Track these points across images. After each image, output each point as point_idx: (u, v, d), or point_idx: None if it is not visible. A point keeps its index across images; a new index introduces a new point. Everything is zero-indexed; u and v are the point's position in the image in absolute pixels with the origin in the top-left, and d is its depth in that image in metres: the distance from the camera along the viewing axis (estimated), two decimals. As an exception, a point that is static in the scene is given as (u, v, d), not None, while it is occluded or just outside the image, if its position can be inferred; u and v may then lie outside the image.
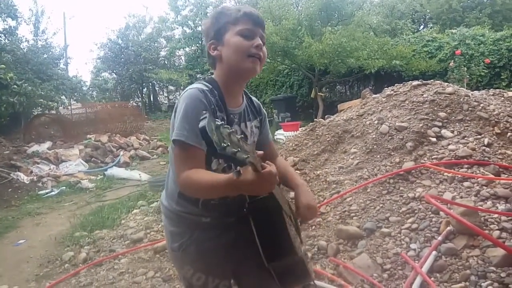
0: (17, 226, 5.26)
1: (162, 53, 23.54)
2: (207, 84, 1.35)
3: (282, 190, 1.48)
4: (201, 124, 0.82)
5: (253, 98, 1.56)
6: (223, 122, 0.85)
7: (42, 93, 11.49)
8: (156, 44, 23.11)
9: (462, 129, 3.52)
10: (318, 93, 12.97)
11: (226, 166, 0.97)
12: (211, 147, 0.81)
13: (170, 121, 1.35)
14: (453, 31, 12.86)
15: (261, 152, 1.05)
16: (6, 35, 13.77)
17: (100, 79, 23.71)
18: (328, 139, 4.16)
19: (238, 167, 0.86)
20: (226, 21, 1.34)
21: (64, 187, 7.25)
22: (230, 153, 0.81)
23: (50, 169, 8.35)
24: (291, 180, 1.50)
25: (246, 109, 1.46)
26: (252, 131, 1.46)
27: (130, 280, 3.16)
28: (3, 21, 13.31)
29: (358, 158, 3.67)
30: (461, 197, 2.71)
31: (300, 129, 6.07)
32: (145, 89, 24.24)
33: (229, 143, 0.81)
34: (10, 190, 6.98)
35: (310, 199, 1.42)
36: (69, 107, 15.49)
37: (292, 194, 1.55)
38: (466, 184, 2.84)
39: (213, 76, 1.41)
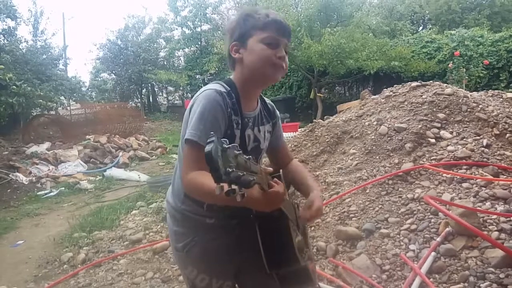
0: (16, 227, 5.25)
1: (162, 53, 23.53)
2: (225, 85, 1.34)
3: (292, 195, 1.47)
4: (207, 148, 0.79)
5: (267, 101, 1.52)
6: (230, 145, 0.81)
7: (41, 93, 11.47)
8: (155, 45, 23.09)
9: (461, 130, 3.52)
10: (317, 94, 12.99)
11: (229, 190, 0.97)
12: (215, 172, 0.79)
13: (183, 118, 1.34)
14: (452, 32, 12.90)
15: (269, 169, 1.06)
16: (5, 35, 13.77)
17: (99, 79, 23.70)
18: (327, 140, 4.17)
19: (243, 190, 0.84)
20: (253, 25, 1.31)
21: (63, 188, 7.23)
22: (235, 178, 0.79)
23: (49, 169, 8.33)
24: (305, 186, 1.45)
25: (260, 113, 1.44)
26: (266, 135, 1.45)
27: (129, 281, 3.16)
28: (2, 22, 13.33)
29: (357, 159, 3.68)
30: (460, 198, 2.71)
31: (299, 130, 6.08)
32: (144, 90, 24.21)
33: (234, 167, 0.79)
34: (9, 190, 6.97)
35: (319, 202, 1.38)
36: (68, 107, 15.48)
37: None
38: (465, 185, 2.85)
39: (231, 77, 1.40)
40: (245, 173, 0.82)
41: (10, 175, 7.42)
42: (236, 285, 1.54)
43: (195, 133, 1.21)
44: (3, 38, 13.65)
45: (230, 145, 0.81)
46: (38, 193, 7.05)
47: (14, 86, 10.22)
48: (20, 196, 6.85)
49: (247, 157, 0.87)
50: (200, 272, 1.41)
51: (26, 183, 7.42)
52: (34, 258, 3.94)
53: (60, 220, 5.32)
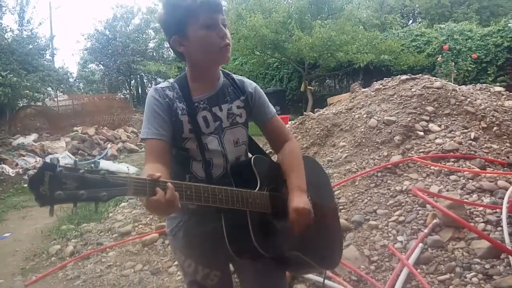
0: (2, 219, 5.18)
1: (151, 44, 23.29)
2: (170, 80, 1.42)
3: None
4: (29, 179, 0.87)
5: (237, 78, 1.50)
6: (64, 167, 0.87)
7: (28, 84, 11.27)
8: (144, 36, 22.84)
9: (449, 123, 3.56)
10: (308, 87, 13.01)
11: (190, 177, 1.01)
12: (35, 199, 0.85)
13: None
14: (442, 26, 12.99)
15: (157, 175, 1.02)
16: (-10, 24, 13.46)
17: (87, 70, 23.40)
18: (317, 132, 4.18)
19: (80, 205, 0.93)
20: (184, 13, 1.28)
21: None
22: (62, 199, 0.85)
23: (36, 161, 8.22)
24: (288, 182, 1.42)
25: (221, 92, 1.42)
26: (232, 112, 1.41)
27: (118, 273, 3.14)
28: (-13, 10, 13.00)
29: (346, 151, 3.69)
30: (448, 190, 2.75)
31: (289, 122, 6.08)
32: (133, 81, 24.00)
33: (74, 188, 0.87)
34: (-5, 182, 6.87)
35: (300, 202, 1.34)
36: (56, 99, 15.23)
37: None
38: (452, 177, 2.89)
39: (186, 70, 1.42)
40: (87, 190, 0.88)
41: (-4, 167, 7.31)
42: (234, 272, 1.55)
43: (143, 131, 1.32)
44: (-13, 27, 13.34)
45: (65, 168, 0.87)
46: (25, 185, 6.95)
47: (-1, 76, 10.03)
48: (7, 188, 6.75)
49: (103, 172, 0.93)
50: (186, 257, 1.44)
51: (13, 175, 7.31)
52: (21, 251, 3.90)
53: (47, 212, 5.25)
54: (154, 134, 1.30)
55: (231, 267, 1.58)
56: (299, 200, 1.34)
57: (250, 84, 1.51)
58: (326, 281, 2.33)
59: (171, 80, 1.43)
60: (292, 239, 1.36)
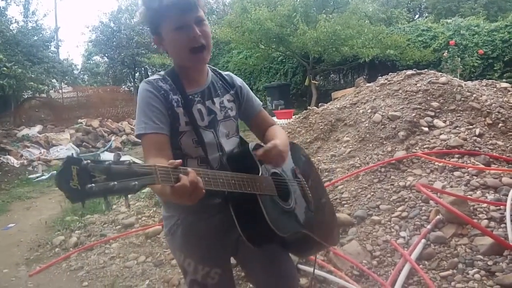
0: (7, 210, 5.23)
1: (155, 37, 23.23)
2: (160, 73, 1.40)
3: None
4: (56, 175, 0.81)
5: (224, 73, 1.52)
6: (90, 160, 0.82)
7: (33, 76, 11.30)
8: (149, 28, 22.78)
9: (454, 119, 3.54)
10: (312, 81, 12.94)
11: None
12: (67, 197, 0.81)
13: None
14: (448, 21, 12.85)
15: (178, 161, 1.00)
16: (-5, 15, 13.47)
17: (91, 62, 23.40)
18: (321, 127, 4.16)
19: (109, 199, 0.86)
20: (155, 15, 1.29)
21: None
22: (95, 193, 0.80)
23: (40, 153, 8.28)
24: (270, 139, 1.44)
25: (212, 86, 1.43)
26: (224, 106, 1.43)
27: (121, 264, 3.17)
28: (-8, 2, 13.02)
29: (350, 146, 3.68)
30: (451, 187, 2.74)
31: (293, 117, 6.07)
32: (137, 74, 23.96)
33: (103, 180, 0.81)
34: (0, 173, 6.92)
35: (277, 142, 1.35)
36: (60, 90, 15.27)
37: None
38: (456, 173, 2.87)
39: None
40: (118, 181, 0.83)
41: (1, 158, 7.37)
42: (237, 266, 1.55)
43: (140, 127, 1.27)
44: (-8, 18, 13.35)
45: (91, 160, 0.81)
46: (29, 177, 7.01)
47: (4, 68, 10.05)
48: (11, 179, 6.81)
49: (128, 162, 0.88)
50: (186, 256, 1.42)
51: (18, 166, 7.37)
52: (25, 241, 3.94)
53: (52, 203, 5.30)
54: (154, 128, 1.26)
55: (232, 261, 1.59)
56: (277, 142, 1.36)
57: (238, 79, 1.54)
58: (329, 276, 2.34)
59: (162, 72, 1.40)
60: (300, 219, 1.41)
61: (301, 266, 2.49)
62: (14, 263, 3.45)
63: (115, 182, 0.83)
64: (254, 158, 1.34)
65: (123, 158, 7.87)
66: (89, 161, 0.81)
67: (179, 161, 1.00)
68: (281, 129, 1.58)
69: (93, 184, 0.79)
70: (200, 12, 1.31)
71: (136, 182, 0.87)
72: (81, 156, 0.82)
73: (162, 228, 3.53)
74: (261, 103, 1.61)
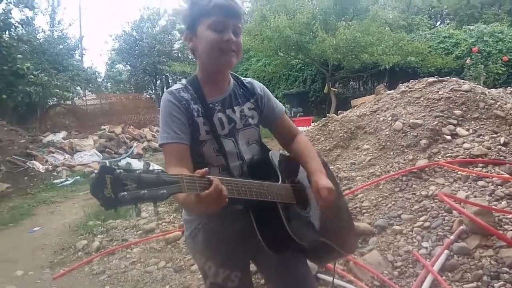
0: (32, 213, 5.38)
1: (176, 45, 23.61)
2: (182, 82, 1.43)
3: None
4: (91, 184, 0.86)
5: (246, 80, 1.53)
6: (123, 169, 0.87)
7: (58, 83, 11.67)
8: (170, 37, 23.19)
9: (477, 127, 3.47)
10: (331, 89, 12.88)
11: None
12: (101, 204, 0.86)
13: None
14: (471, 27, 12.63)
15: (204, 170, 1.03)
16: (23, 25, 13.95)
17: (114, 70, 23.96)
18: (340, 134, 4.15)
19: (139, 206, 0.90)
20: (198, 12, 1.33)
21: (79, 177, 7.37)
22: (127, 200, 0.85)
23: (65, 158, 8.49)
24: (307, 171, 1.47)
25: (233, 94, 1.45)
26: (244, 114, 1.44)
27: (141, 269, 3.21)
28: (21, 12, 13.49)
29: (370, 154, 3.65)
30: (475, 196, 2.68)
31: (312, 124, 6.06)
32: (158, 82, 24.39)
33: (133, 188, 0.86)
34: (26, 178, 7.13)
35: (324, 182, 1.38)
36: (84, 98, 15.68)
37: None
38: (480, 183, 2.81)
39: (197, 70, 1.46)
40: (148, 190, 0.87)
41: (27, 163, 7.58)
42: (258, 272, 1.57)
43: (162, 136, 1.32)
44: (21, 28, 13.82)
45: (123, 169, 0.87)
46: (54, 181, 7.20)
47: (31, 76, 10.42)
48: (37, 184, 7.00)
49: (157, 171, 0.92)
50: (207, 260, 1.45)
51: (43, 171, 7.57)
52: (50, 245, 4.04)
53: (75, 208, 5.43)
54: (175, 138, 1.30)
55: (252, 267, 1.60)
56: (322, 181, 1.38)
57: (259, 86, 1.54)
58: (349, 286, 2.32)
59: (184, 81, 1.44)
60: (318, 227, 1.42)
61: (320, 275, 2.48)
62: (39, 265, 3.55)
63: (145, 191, 0.87)
64: (274, 166, 1.37)
65: (142, 164, 8.00)
66: (121, 170, 0.86)
67: (205, 170, 1.03)
68: (309, 143, 1.58)
69: (125, 193, 0.84)
70: (240, 23, 1.36)
71: (164, 191, 0.91)
72: (114, 166, 0.87)
73: (182, 234, 3.58)
74: (284, 108, 1.61)
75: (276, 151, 1.49)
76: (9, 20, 11.69)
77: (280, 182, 1.34)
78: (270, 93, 1.57)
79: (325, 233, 1.43)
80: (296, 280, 1.49)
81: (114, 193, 0.84)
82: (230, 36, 1.31)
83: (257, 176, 1.31)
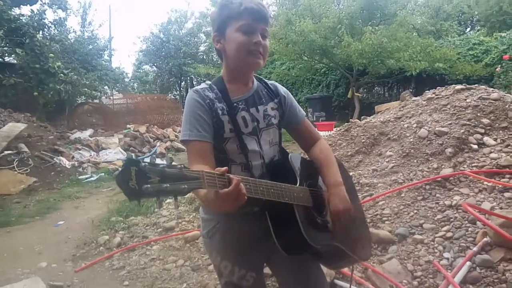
0: (58, 208, 5.54)
1: (202, 48, 23.92)
2: (208, 82, 1.46)
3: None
4: (117, 175, 0.89)
5: (269, 82, 1.56)
6: (148, 162, 0.91)
7: (87, 82, 12.00)
8: (196, 39, 23.51)
9: (506, 137, 3.36)
10: (355, 94, 12.77)
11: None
12: (125, 194, 0.89)
13: None
14: (502, 34, 12.27)
15: (224, 168, 1.05)
16: (56, 25, 14.46)
17: (141, 71, 24.45)
18: (363, 140, 4.10)
19: (161, 199, 0.94)
20: (228, 15, 1.36)
21: (103, 174, 7.55)
22: (151, 193, 0.88)
23: (90, 155, 8.71)
24: (324, 179, 1.49)
25: (257, 94, 1.48)
26: (267, 114, 1.47)
27: (160, 266, 3.26)
28: (54, 13, 14.00)
29: (393, 161, 3.60)
30: (501, 208, 2.60)
31: (334, 129, 6.01)
32: (183, 83, 24.73)
33: (157, 181, 0.89)
34: (52, 173, 7.36)
35: (340, 201, 1.41)
36: (111, 97, 16.07)
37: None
38: (507, 194, 2.72)
39: (222, 71, 1.49)
40: (170, 184, 0.91)
41: (55, 159, 7.82)
42: (270, 272, 1.58)
43: (185, 133, 1.34)
44: (54, 28, 14.34)
45: (148, 163, 0.90)
46: (79, 177, 7.40)
47: (62, 74, 10.75)
48: (63, 179, 7.21)
49: (179, 166, 0.96)
50: (223, 259, 1.47)
51: (69, 167, 7.80)
52: (73, 239, 4.15)
53: (98, 204, 5.56)
54: (197, 136, 1.32)
55: (267, 270, 1.61)
56: (339, 198, 1.41)
57: (282, 88, 1.57)
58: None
59: (209, 82, 1.47)
60: (333, 231, 1.42)
61: (338, 282, 2.46)
62: (62, 258, 3.65)
63: (168, 184, 0.91)
64: (293, 169, 1.38)
65: (164, 163, 8.11)
66: (146, 163, 0.90)
67: (225, 168, 1.06)
68: (329, 151, 1.57)
69: (148, 185, 0.88)
70: (267, 27, 1.39)
71: (186, 186, 0.94)
72: (139, 158, 0.90)
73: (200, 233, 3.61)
74: (305, 113, 1.63)
75: (296, 154, 1.50)
76: (42, 20, 12.14)
77: (298, 184, 1.35)
78: (293, 98, 1.59)
79: (339, 238, 1.43)
80: (308, 283, 1.49)
81: (138, 184, 0.87)
82: (258, 39, 1.35)
83: (277, 177, 1.32)
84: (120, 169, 0.90)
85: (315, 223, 1.37)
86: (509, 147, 3.21)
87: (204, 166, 1.23)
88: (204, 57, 23.62)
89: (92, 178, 7.30)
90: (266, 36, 1.39)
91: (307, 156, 1.61)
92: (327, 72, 15.46)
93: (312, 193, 1.40)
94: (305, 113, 1.63)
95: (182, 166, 0.97)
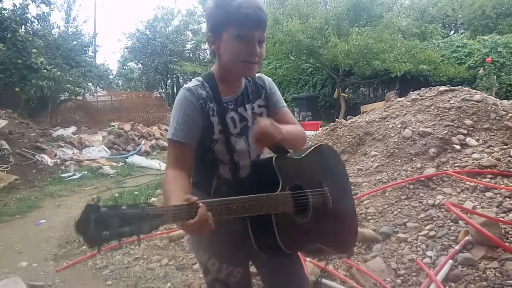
0: (39, 206, 5.43)
1: (188, 46, 23.77)
2: (199, 78, 1.42)
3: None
4: (76, 223, 0.90)
5: (257, 76, 1.52)
6: (107, 208, 0.91)
7: (70, 78, 11.78)
8: (182, 37, 23.35)
9: (487, 138, 3.43)
10: (341, 94, 12.87)
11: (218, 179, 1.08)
12: (84, 242, 0.90)
13: None
14: (485, 37, 12.52)
15: (193, 199, 1.06)
16: (39, 20, 14.17)
17: (126, 68, 24.17)
18: (348, 140, 4.13)
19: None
20: (225, 18, 1.29)
21: (86, 172, 7.43)
22: (108, 238, 0.89)
23: (73, 153, 8.56)
24: None
25: (245, 92, 1.46)
26: (257, 111, 1.46)
27: (144, 266, 3.22)
28: (37, 7, 13.72)
29: (378, 161, 3.63)
30: (482, 207, 2.65)
31: (320, 128, 6.04)
32: (169, 81, 24.55)
33: (115, 227, 0.90)
34: (34, 171, 7.20)
35: (266, 124, 1.29)
36: (95, 94, 15.84)
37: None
38: (488, 194, 2.78)
39: (212, 67, 1.46)
40: (131, 226, 0.92)
41: (36, 156, 7.66)
42: (257, 268, 1.59)
43: (171, 132, 1.34)
44: (37, 23, 14.05)
45: (108, 207, 0.91)
46: (62, 175, 7.26)
47: (44, 70, 10.54)
48: (45, 177, 7.07)
49: (142, 206, 0.96)
50: (210, 256, 1.47)
51: (51, 164, 7.64)
52: (55, 238, 4.07)
53: (81, 202, 5.46)
54: (181, 137, 1.32)
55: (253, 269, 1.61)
56: (271, 123, 1.31)
57: (267, 79, 1.55)
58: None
59: (200, 78, 1.43)
60: (314, 233, 1.41)
61: (324, 280, 2.47)
62: (43, 258, 3.57)
63: (128, 227, 0.92)
64: (276, 172, 1.34)
65: (151, 162, 8.04)
66: (105, 209, 0.91)
67: (195, 198, 1.07)
68: (298, 127, 1.52)
69: (107, 232, 0.89)
70: (265, 32, 1.35)
71: (149, 225, 0.96)
72: (100, 204, 0.92)
73: (185, 233, 3.58)
74: (285, 105, 1.57)
75: (283, 155, 1.45)
76: (25, 15, 11.87)
77: (279, 189, 1.31)
78: (276, 87, 1.56)
79: (319, 237, 1.43)
80: (288, 283, 1.51)
81: (97, 232, 0.88)
82: (255, 49, 1.31)
83: (260, 179, 1.33)
84: (79, 216, 0.90)
85: (294, 227, 1.34)
86: (490, 147, 3.28)
87: (180, 172, 1.28)
88: (191, 55, 23.49)
89: (74, 176, 7.17)
90: (262, 41, 1.35)
91: (295, 156, 1.59)
92: (313, 72, 15.54)
93: (294, 197, 1.36)
94: (285, 105, 1.58)
95: (145, 205, 0.97)
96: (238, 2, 1.28)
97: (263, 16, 1.32)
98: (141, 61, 23.25)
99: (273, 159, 1.37)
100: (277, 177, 1.33)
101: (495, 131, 3.48)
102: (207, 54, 24.04)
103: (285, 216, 1.32)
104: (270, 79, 1.57)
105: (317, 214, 1.42)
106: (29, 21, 12.61)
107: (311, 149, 1.54)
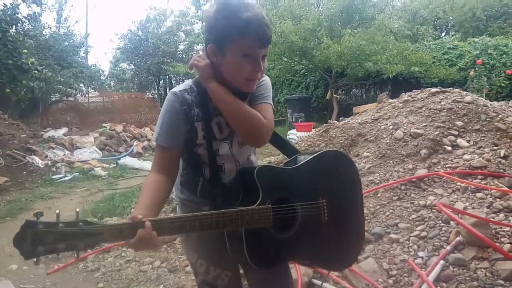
0: (30, 208, 5.37)
1: (181, 47, 23.71)
2: (189, 82, 1.41)
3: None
4: (14, 237, 0.99)
5: None
6: (45, 226, 1.01)
7: (61, 79, 11.69)
8: (175, 38, 23.28)
9: (478, 139, 3.46)
10: (334, 95, 12.89)
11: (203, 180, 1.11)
12: (21, 254, 1.00)
13: None
14: (476, 39, 12.64)
15: (139, 217, 1.09)
16: (30, 20, 14.05)
17: (118, 69, 24.04)
18: (341, 141, 4.14)
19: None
20: (231, 33, 1.23)
21: (77, 173, 7.37)
22: (44, 252, 1.00)
23: (64, 154, 8.49)
24: None
25: (236, 95, 1.37)
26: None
27: (136, 268, 3.21)
28: (28, 7, 13.62)
29: (370, 162, 3.65)
30: (473, 208, 2.67)
31: (313, 130, 6.06)
32: (161, 82, 24.46)
33: (52, 242, 1.00)
34: (24, 173, 7.13)
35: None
36: (87, 95, 15.72)
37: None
38: (479, 195, 2.80)
39: None
40: (66, 242, 1.02)
41: (27, 158, 7.59)
42: (244, 274, 1.58)
43: (156, 136, 1.35)
44: (28, 23, 13.93)
45: (46, 223, 1.00)
46: (52, 177, 7.19)
47: (35, 71, 10.45)
48: (35, 179, 7.00)
49: (80, 224, 1.04)
50: (199, 257, 1.48)
51: (42, 166, 7.57)
52: (45, 240, 4.02)
53: (72, 204, 5.42)
54: (166, 142, 1.33)
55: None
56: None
57: (265, 78, 1.47)
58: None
59: (190, 81, 1.40)
60: (297, 248, 1.35)
61: (315, 281, 2.47)
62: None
63: (62, 244, 1.01)
64: (257, 185, 1.29)
65: (143, 163, 7.99)
66: (42, 225, 1.00)
67: (140, 217, 1.09)
68: (256, 114, 1.36)
69: (41, 247, 0.99)
70: (267, 49, 1.31)
71: (82, 244, 1.04)
72: (39, 220, 1.00)
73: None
74: (270, 103, 1.47)
75: (266, 165, 1.45)
76: (16, 15, 11.76)
77: (259, 202, 1.26)
78: (266, 85, 1.46)
79: (306, 254, 1.41)
80: (272, 284, 1.50)
81: (32, 246, 0.98)
82: (259, 68, 1.29)
83: (244, 188, 1.33)
84: (18, 231, 0.99)
85: (271, 242, 1.30)
86: (481, 148, 3.31)
87: (162, 176, 1.30)
88: (183, 56, 23.42)
89: (66, 178, 7.11)
90: (265, 56, 1.31)
91: (282, 166, 1.55)
92: (306, 73, 15.56)
93: (276, 210, 1.29)
94: (271, 103, 1.47)
95: (83, 223, 1.04)
96: (247, 17, 1.21)
97: (269, 32, 1.27)
98: (133, 62, 23.14)
99: (256, 169, 1.31)
100: (258, 190, 1.29)
101: (486, 132, 3.51)
102: (200, 55, 23.98)
103: (260, 232, 1.27)
104: (267, 78, 1.49)
105: (305, 228, 1.34)
106: (20, 21, 12.49)
107: (313, 155, 1.45)
